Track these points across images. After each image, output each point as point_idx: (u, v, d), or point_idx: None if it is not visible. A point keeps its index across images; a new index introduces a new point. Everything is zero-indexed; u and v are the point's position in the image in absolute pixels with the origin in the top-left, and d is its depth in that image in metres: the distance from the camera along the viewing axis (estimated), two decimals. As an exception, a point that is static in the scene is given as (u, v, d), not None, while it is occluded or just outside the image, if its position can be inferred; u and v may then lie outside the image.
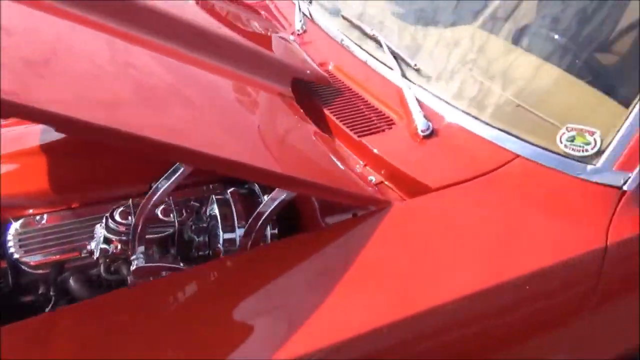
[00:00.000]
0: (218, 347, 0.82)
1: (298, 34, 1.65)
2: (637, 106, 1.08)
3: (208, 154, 0.80)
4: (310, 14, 1.69)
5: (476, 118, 1.19)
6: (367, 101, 1.33)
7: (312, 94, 1.34)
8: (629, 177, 1.06)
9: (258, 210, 0.99)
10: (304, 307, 0.87)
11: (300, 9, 1.70)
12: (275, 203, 0.98)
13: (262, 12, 1.75)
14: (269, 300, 0.91)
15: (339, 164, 1.10)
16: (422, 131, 1.19)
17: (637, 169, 1.06)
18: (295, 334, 0.82)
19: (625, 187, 1.06)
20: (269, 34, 1.48)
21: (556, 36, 1.30)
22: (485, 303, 0.95)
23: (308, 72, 1.34)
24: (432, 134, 1.20)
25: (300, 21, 1.66)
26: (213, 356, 0.80)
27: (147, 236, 1.06)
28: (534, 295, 1.00)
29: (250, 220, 1.00)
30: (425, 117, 1.21)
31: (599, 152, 1.08)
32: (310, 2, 1.75)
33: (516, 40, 1.32)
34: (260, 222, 0.99)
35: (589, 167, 1.07)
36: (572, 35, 1.28)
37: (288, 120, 1.14)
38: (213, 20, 1.24)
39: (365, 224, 1.02)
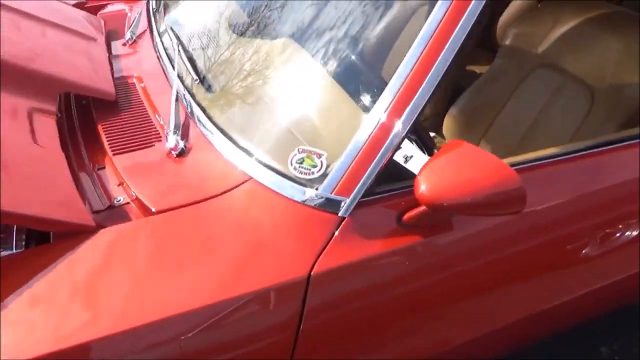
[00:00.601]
0: None
1: (129, 44, 1.63)
2: (360, 130, 1.02)
3: None
4: (153, 24, 1.66)
5: (228, 137, 1.15)
6: (147, 116, 1.29)
7: (95, 108, 1.32)
8: (346, 203, 1.00)
9: None
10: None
11: (137, 18, 1.68)
12: None
13: (102, 21, 1.73)
14: None
15: (68, 186, 1.07)
16: (172, 150, 1.16)
17: (353, 194, 1.00)
18: None
19: (341, 213, 1.01)
20: (73, 44, 1.45)
21: (337, 55, 1.24)
22: (166, 333, 0.92)
23: (90, 85, 1.31)
24: (184, 153, 1.16)
25: (132, 31, 1.64)
26: None
27: None
28: (226, 330, 0.96)
29: None
30: (178, 134, 1.17)
31: (324, 176, 1.03)
32: (157, 10, 1.72)
33: (302, 55, 1.26)
34: None
35: (311, 191, 1.02)
36: (349, 52, 1.22)
37: (26, 139, 1.11)
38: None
39: (81, 247, 0.99)
